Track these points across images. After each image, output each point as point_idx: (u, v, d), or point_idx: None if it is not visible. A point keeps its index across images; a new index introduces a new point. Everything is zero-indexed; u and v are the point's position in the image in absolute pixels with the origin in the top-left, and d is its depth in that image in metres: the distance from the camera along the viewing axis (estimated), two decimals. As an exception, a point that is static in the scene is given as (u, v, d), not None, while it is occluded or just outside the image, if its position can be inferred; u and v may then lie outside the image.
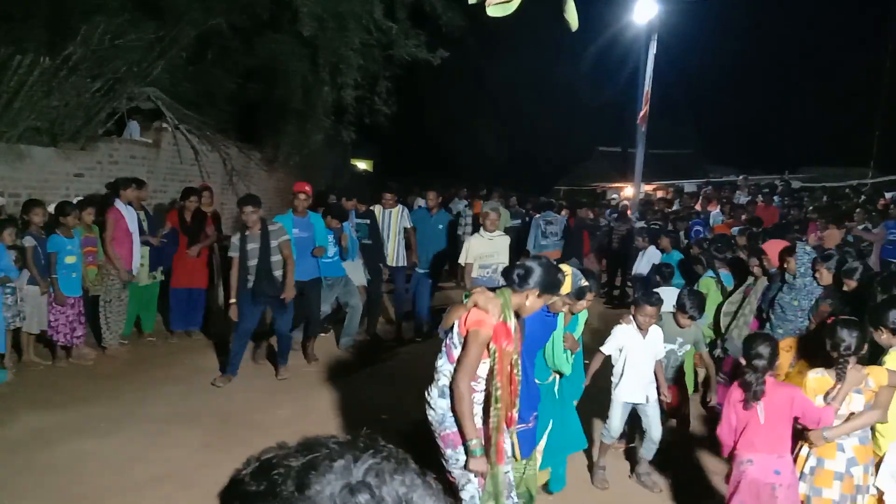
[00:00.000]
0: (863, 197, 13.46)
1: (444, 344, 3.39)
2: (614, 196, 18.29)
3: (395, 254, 8.15)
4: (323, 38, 10.74)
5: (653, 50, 13.44)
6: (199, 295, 7.76)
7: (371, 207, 8.15)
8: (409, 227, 8.17)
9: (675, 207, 13.40)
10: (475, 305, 3.25)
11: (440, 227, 8.44)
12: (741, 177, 17.44)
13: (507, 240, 7.24)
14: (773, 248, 5.81)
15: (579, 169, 27.21)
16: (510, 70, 24.23)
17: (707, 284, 6.43)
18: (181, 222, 7.52)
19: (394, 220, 8.11)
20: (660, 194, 16.43)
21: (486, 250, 6.89)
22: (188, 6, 9.53)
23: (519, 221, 12.28)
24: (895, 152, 18.77)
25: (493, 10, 2.27)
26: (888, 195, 13.25)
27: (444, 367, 3.34)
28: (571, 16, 2.37)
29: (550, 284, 3.39)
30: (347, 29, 10.80)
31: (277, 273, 6.19)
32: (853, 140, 20.97)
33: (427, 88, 18.80)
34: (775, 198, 13.67)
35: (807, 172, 20.67)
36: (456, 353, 3.28)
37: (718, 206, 12.06)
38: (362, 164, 24.02)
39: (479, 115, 25.34)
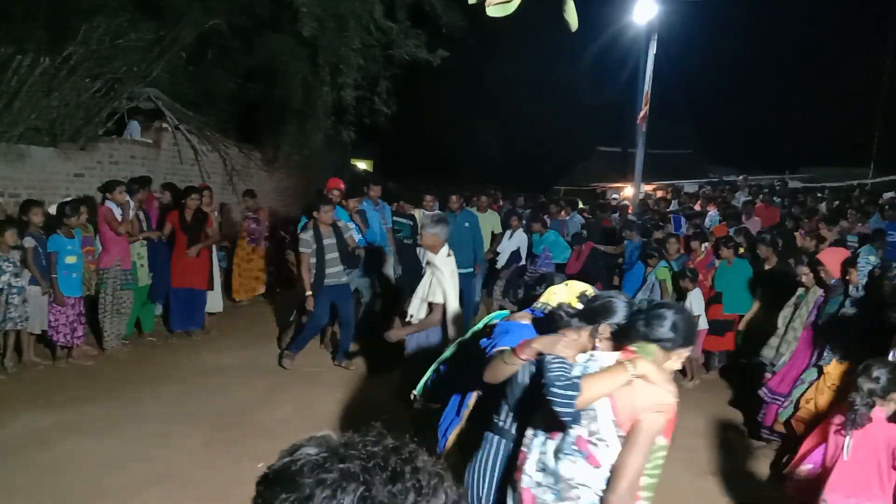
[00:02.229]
0: (862, 199, 13.45)
1: (573, 439, 2.34)
2: (615, 196, 18.31)
3: None
4: (323, 38, 10.74)
5: (653, 50, 13.44)
6: (200, 295, 7.75)
7: (414, 210, 8.51)
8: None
9: (673, 207, 13.41)
10: (642, 376, 2.27)
11: (466, 225, 8.47)
12: (741, 177, 17.49)
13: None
14: (831, 258, 5.35)
15: (579, 169, 27.21)
16: (510, 70, 24.23)
17: (663, 273, 7.31)
18: (181, 222, 7.52)
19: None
20: (659, 194, 16.44)
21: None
22: (188, 6, 9.54)
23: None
24: (895, 152, 18.77)
25: (493, 11, 2.27)
26: (887, 195, 13.27)
27: (582, 474, 2.30)
28: (571, 16, 2.37)
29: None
30: (347, 29, 10.80)
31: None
32: (853, 140, 20.97)
33: (427, 88, 18.81)
34: (775, 198, 13.69)
35: (807, 172, 20.69)
36: (606, 452, 2.28)
37: (716, 207, 12.08)
38: (362, 165, 24.02)
39: (479, 115, 25.34)
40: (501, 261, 9.43)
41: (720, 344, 7.03)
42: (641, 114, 13.56)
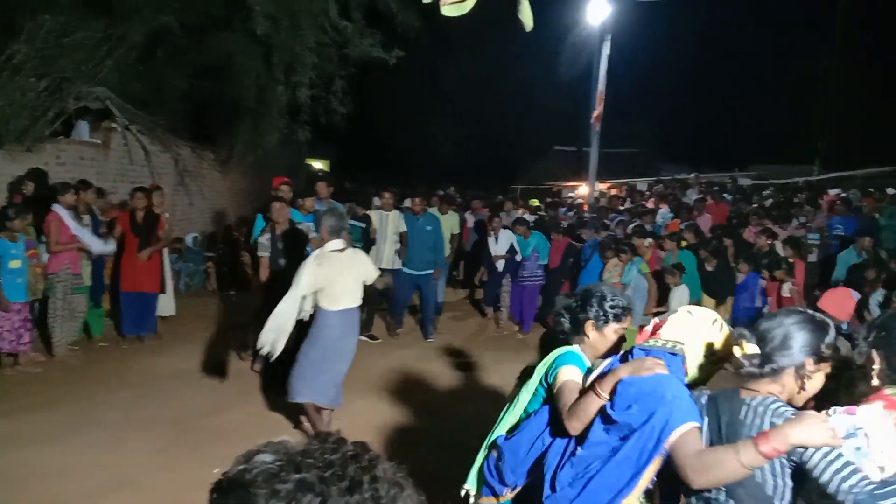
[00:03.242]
0: (805, 194, 13.87)
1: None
2: (570, 195, 18.52)
3: (390, 257, 8.21)
4: (277, 36, 10.63)
5: (606, 50, 13.63)
6: (151, 299, 7.57)
7: (367, 212, 8.40)
8: (403, 230, 8.26)
9: (627, 205, 13.64)
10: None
11: (428, 228, 8.45)
12: (692, 174, 17.85)
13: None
14: (832, 303, 4.98)
15: (536, 168, 27.44)
16: (467, 70, 24.32)
17: (645, 267, 7.72)
18: (132, 224, 7.34)
19: (391, 222, 8.17)
20: (613, 192, 16.69)
21: None
22: (138, 3, 9.33)
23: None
24: (839, 150, 19.41)
25: (448, 10, 2.28)
26: (832, 192, 13.70)
27: None
28: (526, 16, 2.40)
29: None
30: (302, 28, 10.71)
31: None
32: (799, 138, 21.62)
33: (384, 88, 18.73)
34: (725, 195, 14.03)
35: (755, 170, 21.24)
36: None
37: (668, 204, 12.34)
38: (319, 164, 23.83)
39: (437, 114, 25.38)
40: (500, 265, 9.29)
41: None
42: (595, 113, 13.73)
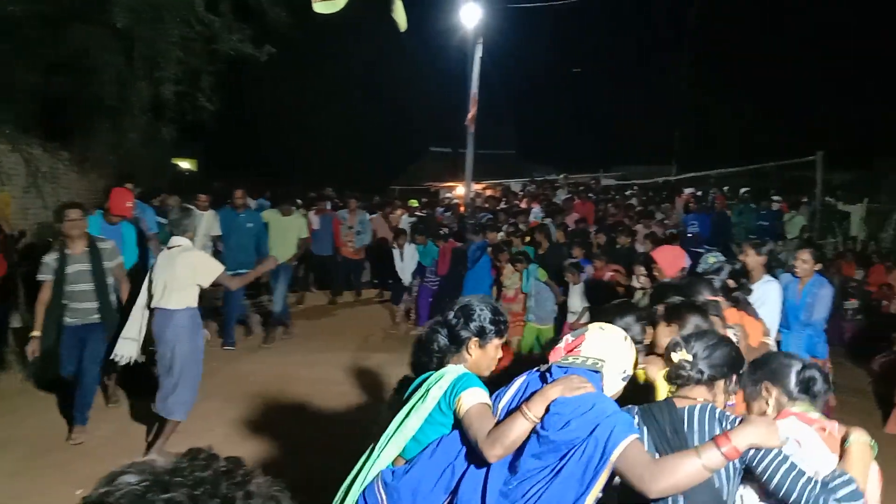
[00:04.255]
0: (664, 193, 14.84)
1: None
2: (447, 195, 18.79)
3: None
4: (138, 30, 10.06)
5: (478, 53, 13.93)
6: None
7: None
8: (216, 233, 7.85)
9: (503, 206, 14.03)
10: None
11: (249, 225, 8.12)
12: (562, 175, 18.62)
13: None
14: (664, 255, 5.18)
15: (414, 168, 27.63)
16: (344, 69, 24.12)
17: (543, 274, 7.68)
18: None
19: (203, 224, 7.65)
20: (488, 193, 17.10)
21: None
22: (-22, -10, 8.55)
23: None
24: (693, 151, 20.90)
25: (320, 7, 2.26)
26: (687, 191, 14.73)
27: None
28: (400, 16, 2.42)
29: None
30: (165, 21, 10.20)
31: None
32: (658, 140, 23.08)
33: (257, 85, 18.23)
34: (590, 195, 14.76)
35: (619, 171, 22.46)
36: None
37: (539, 204, 12.83)
38: (186, 164, 22.85)
39: (313, 113, 24.93)
40: (406, 278, 9.46)
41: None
42: (470, 115, 14.00)
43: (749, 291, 4.29)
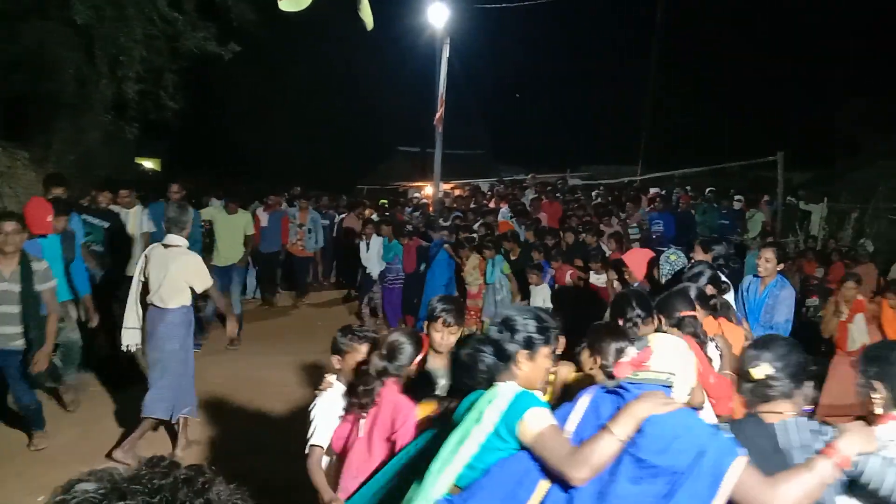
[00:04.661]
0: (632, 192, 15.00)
1: None
2: (416, 195, 18.76)
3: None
4: (100, 26, 9.87)
5: (446, 53, 13.94)
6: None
7: (110, 206, 7.40)
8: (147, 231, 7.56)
9: (472, 205, 14.06)
10: None
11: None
12: (530, 175, 18.71)
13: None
14: (634, 259, 5.31)
15: (382, 168, 27.53)
16: (312, 68, 23.94)
17: (507, 268, 7.96)
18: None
19: (130, 221, 7.46)
20: (457, 193, 17.12)
21: None
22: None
23: (328, 223, 12.31)
24: (659, 152, 21.18)
25: (286, 5, 2.24)
26: (652, 190, 14.92)
27: None
28: (366, 15, 2.40)
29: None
30: (128, 18, 10.01)
31: None
32: (624, 141, 23.34)
33: (223, 84, 18.01)
34: (557, 195, 14.85)
35: (586, 171, 22.65)
36: None
37: (508, 204, 12.89)
38: (150, 164, 22.50)
39: (281, 112, 24.71)
40: (374, 272, 9.48)
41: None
42: (437, 115, 14.01)
43: (728, 290, 4.32)
